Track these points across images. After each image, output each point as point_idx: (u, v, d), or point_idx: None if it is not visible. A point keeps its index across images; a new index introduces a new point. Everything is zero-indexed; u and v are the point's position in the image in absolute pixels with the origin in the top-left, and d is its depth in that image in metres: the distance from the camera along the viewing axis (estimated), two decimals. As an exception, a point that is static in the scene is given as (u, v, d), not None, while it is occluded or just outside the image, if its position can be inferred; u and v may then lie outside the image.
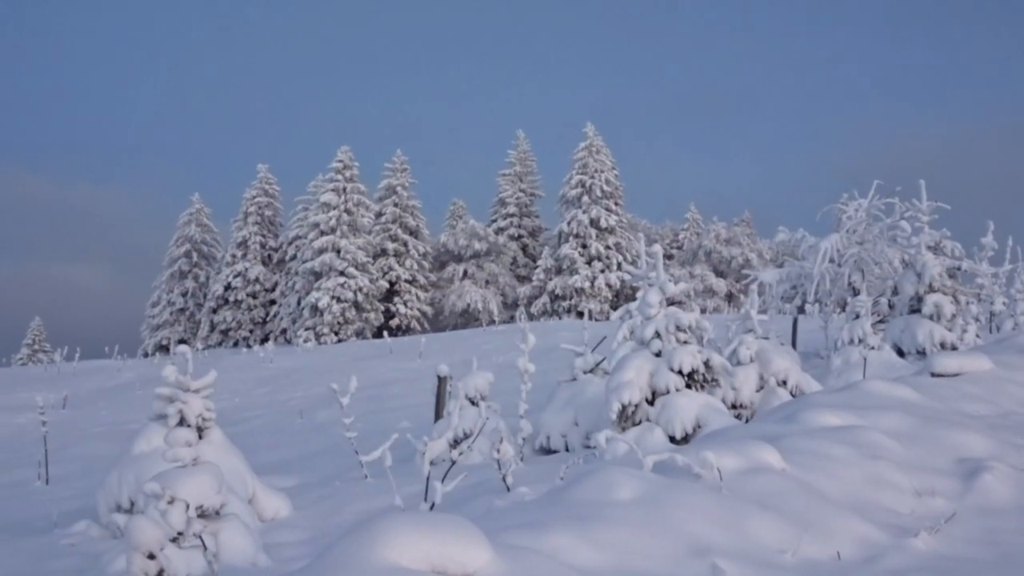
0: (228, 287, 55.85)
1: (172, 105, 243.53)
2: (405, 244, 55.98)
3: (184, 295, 58.64)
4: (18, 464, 16.77)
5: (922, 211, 17.71)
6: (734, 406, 11.60)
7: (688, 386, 10.70)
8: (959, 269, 19.78)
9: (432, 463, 6.22)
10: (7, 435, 22.67)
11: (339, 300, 51.07)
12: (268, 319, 56.17)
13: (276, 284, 56.56)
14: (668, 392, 10.53)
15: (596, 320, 46.55)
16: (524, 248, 61.09)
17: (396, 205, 56.69)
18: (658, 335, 11.05)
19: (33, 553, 8.71)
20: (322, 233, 52.33)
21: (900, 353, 16.26)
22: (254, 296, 56.13)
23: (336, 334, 50.80)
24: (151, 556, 4.70)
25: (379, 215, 56.07)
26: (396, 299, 54.59)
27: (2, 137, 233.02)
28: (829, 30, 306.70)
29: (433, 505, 5.29)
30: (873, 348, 15.01)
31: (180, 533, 5.64)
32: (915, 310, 16.79)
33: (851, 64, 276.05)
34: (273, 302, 56.36)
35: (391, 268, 54.81)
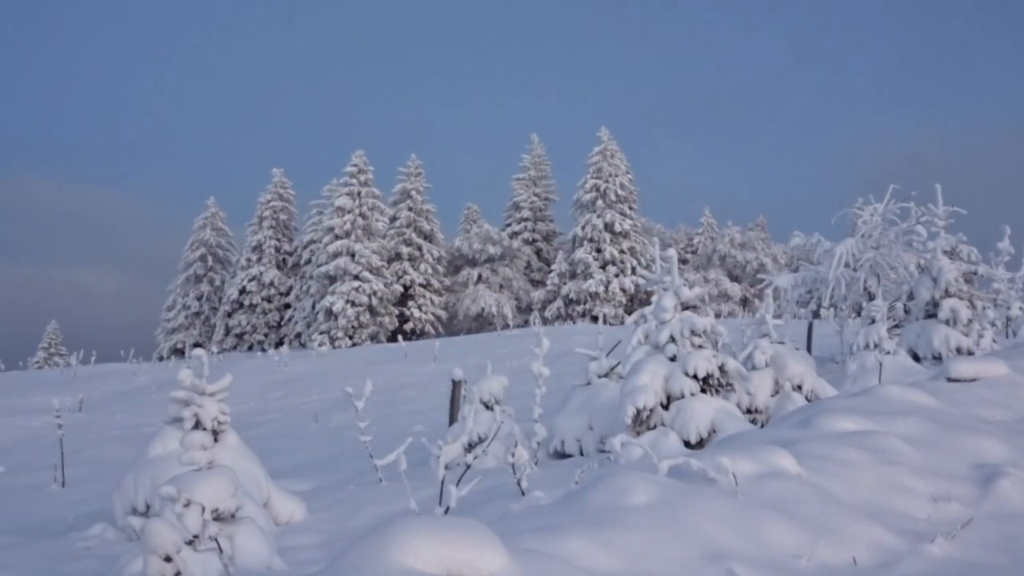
0: (243, 291, 56.07)
1: (186, 109, 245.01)
2: (419, 248, 56.02)
3: (199, 299, 58.91)
4: (35, 467, 16.85)
5: (938, 215, 17.64)
6: (749, 411, 11.58)
7: (703, 390, 10.68)
8: (975, 274, 19.68)
9: (447, 467, 6.23)
10: (24, 438, 22.81)
11: (353, 304, 51.14)
12: (283, 323, 56.35)
13: (291, 288, 56.74)
14: (683, 396, 10.52)
15: (610, 324, 46.43)
16: (538, 252, 61.02)
17: (410, 209, 56.74)
18: (673, 339, 11.04)
19: (50, 556, 8.76)
20: (336, 237, 52.43)
21: (916, 358, 16.19)
22: (269, 300, 56.32)
23: (350, 338, 50.90)
24: (168, 559, 4.73)
25: (393, 219, 56.13)
26: (410, 303, 54.64)
27: (16, 142, 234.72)
28: (845, 32, 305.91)
29: (448, 509, 5.29)
30: (889, 353, 14.94)
31: (196, 536, 5.67)
32: (931, 315, 16.71)
33: (867, 66, 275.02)
34: (288, 306, 56.53)
35: (405, 272, 54.87)
